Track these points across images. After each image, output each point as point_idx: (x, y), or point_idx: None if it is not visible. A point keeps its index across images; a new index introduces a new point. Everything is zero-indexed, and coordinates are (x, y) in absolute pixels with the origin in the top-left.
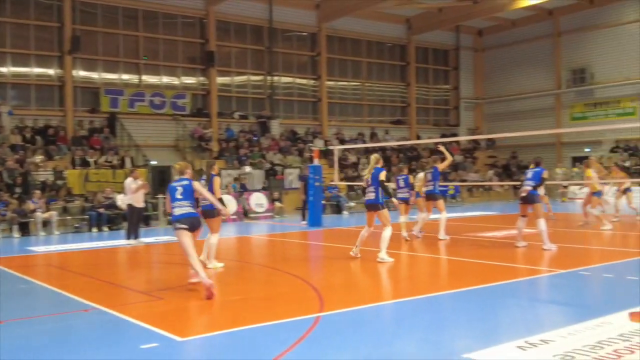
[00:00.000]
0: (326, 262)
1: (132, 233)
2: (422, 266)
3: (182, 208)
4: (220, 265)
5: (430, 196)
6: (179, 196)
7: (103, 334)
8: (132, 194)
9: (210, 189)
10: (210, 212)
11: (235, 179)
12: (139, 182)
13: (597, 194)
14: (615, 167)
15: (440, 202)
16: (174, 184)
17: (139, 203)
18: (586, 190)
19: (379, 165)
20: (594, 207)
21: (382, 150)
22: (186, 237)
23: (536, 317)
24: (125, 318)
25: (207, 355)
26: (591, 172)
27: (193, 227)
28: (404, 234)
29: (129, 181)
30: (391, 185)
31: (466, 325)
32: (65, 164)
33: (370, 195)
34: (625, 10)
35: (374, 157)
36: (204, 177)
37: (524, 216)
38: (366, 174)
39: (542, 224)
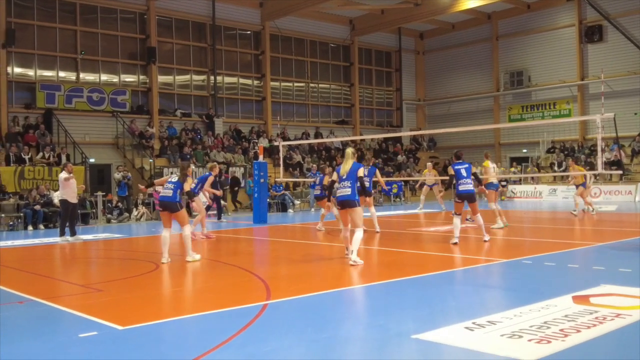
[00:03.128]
0: (272, 256)
1: (70, 229)
2: (368, 257)
3: None
4: (198, 257)
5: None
6: None
7: (39, 324)
8: (63, 187)
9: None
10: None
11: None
12: (72, 175)
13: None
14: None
15: (370, 199)
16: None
17: (73, 198)
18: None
19: (356, 160)
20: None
21: (327, 150)
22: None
23: (482, 301)
24: (62, 309)
25: (150, 343)
26: (489, 164)
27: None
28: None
29: (63, 175)
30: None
31: (413, 310)
32: None
33: (346, 191)
34: (560, 15)
35: (350, 150)
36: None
37: (459, 214)
38: (342, 168)
39: (479, 218)
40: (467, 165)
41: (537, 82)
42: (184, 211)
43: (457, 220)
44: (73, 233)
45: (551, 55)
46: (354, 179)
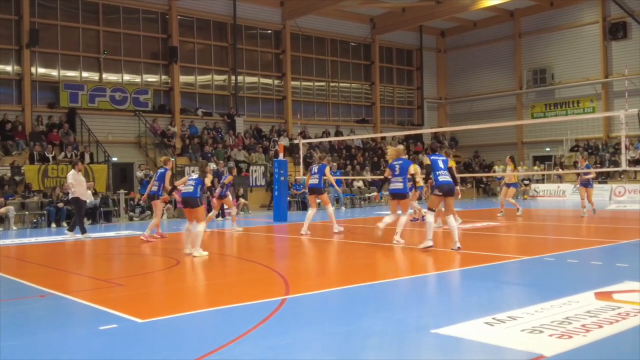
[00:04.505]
0: (292, 252)
1: (70, 225)
2: (387, 254)
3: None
4: (206, 253)
5: (314, 190)
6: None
7: (60, 317)
8: (74, 186)
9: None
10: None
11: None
12: (81, 175)
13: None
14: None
15: (324, 197)
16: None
17: (84, 196)
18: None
19: (406, 157)
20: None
21: (347, 148)
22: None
23: (503, 296)
24: (83, 302)
25: (169, 335)
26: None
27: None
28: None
29: (71, 173)
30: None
31: (433, 305)
32: (24, 160)
33: (398, 185)
34: (584, 12)
35: (402, 147)
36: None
37: (433, 210)
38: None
39: (452, 220)
40: (444, 158)
41: (561, 80)
42: (202, 208)
43: (430, 217)
44: (72, 229)
45: (575, 53)
46: (405, 174)
